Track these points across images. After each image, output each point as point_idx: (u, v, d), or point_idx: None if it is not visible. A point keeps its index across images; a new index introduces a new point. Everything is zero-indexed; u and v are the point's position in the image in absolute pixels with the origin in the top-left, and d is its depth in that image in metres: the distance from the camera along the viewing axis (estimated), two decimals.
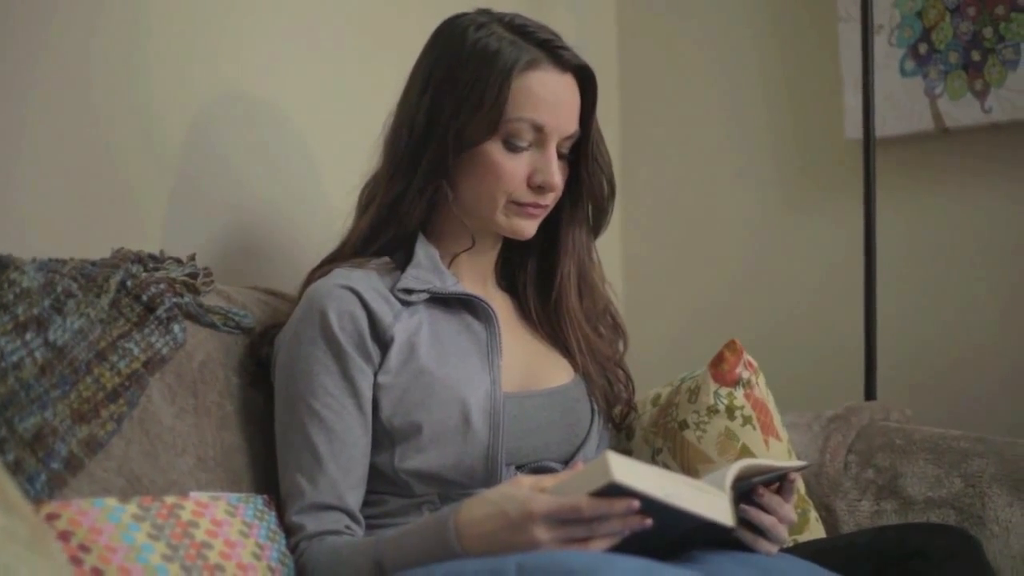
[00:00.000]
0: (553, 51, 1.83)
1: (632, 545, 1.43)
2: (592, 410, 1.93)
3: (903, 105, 2.69)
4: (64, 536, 1.43)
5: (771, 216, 2.98)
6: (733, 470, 1.55)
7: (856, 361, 2.64)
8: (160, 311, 1.77)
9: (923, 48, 2.66)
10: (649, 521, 1.42)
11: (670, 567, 1.33)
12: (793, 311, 2.92)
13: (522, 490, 1.48)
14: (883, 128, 2.69)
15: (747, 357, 2.06)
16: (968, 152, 2.69)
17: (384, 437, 1.77)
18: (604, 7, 3.17)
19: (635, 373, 2.94)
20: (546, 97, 1.81)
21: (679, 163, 3.11)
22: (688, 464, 1.99)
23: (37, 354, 1.60)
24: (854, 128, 2.69)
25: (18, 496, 0.94)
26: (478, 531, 1.50)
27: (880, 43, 2.69)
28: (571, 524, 1.43)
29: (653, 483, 1.43)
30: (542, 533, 1.43)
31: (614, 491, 1.40)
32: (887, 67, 2.70)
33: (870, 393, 2.59)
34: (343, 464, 1.73)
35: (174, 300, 1.80)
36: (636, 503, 1.40)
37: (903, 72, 2.69)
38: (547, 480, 1.51)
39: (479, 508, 1.51)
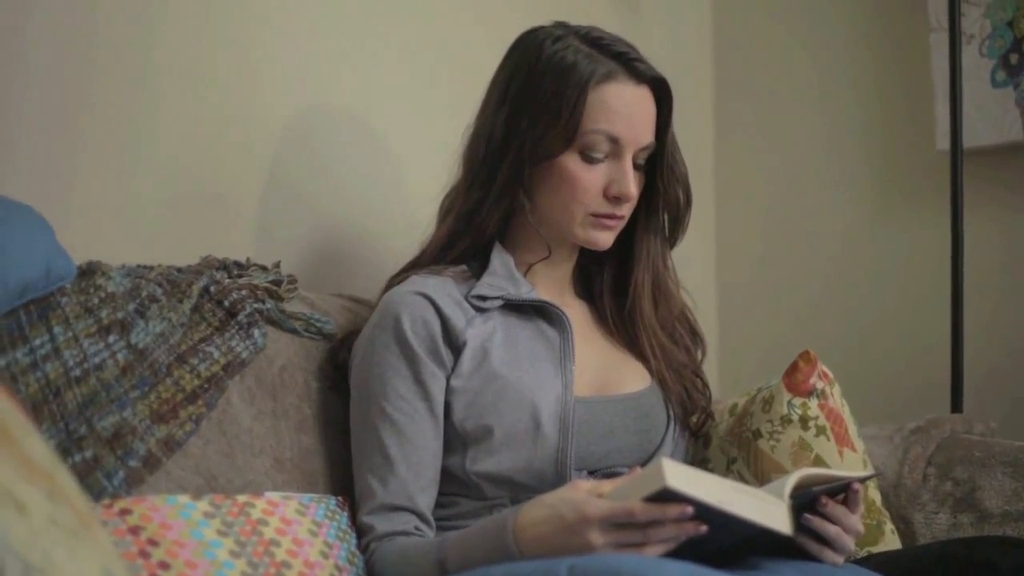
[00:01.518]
0: (628, 63, 1.85)
1: (689, 552, 1.44)
2: (668, 417, 1.94)
3: (994, 116, 2.67)
4: (134, 530, 1.47)
5: (862, 227, 2.97)
6: (792, 479, 1.55)
7: (943, 373, 2.62)
8: (241, 316, 1.82)
9: (1014, 58, 2.65)
10: (704, 527, 1.43)
11: (720, 573, 1.33)
12: (882, 322, 2.91)
13: (579, 494, 1.50)
14: (974, 139, 2.68)
15: (822, 367, 2.05)
16: None
17: (456, 440, 1.80)
18: (700, 20, 3.18)
19: (728, 380, 2.96)
20: (621, 109, 1.83)
21: (772, 173, 3.12)
22: (762, 474, 1.99)
23: (119, 356, 1.65)
24: (944, 139, 2.68)
25: (70, 487, 0.98)
26: (535, 533, 1.52)
27: (971, 53, 2.68)
28: (625, 529, 1.44)
29: (708, 490, 1.43)
30: (597, 537, 1.45)
31: (668, 496, 1.40)
32: (978, 78, 2.68)
33: (956, 406, 2.58)
34: (413, 466, 1.77)
35: (255, 306, 1.85)
36: (690, 509, 1.41)
37: (994, 83, 2.67)
38: (605, 485, 1.52)
39: (537, 511, 1.53)
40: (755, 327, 3.11)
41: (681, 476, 1.42)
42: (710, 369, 3.02)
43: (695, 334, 2.06)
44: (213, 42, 2.11)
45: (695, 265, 3.12)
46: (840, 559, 1.65)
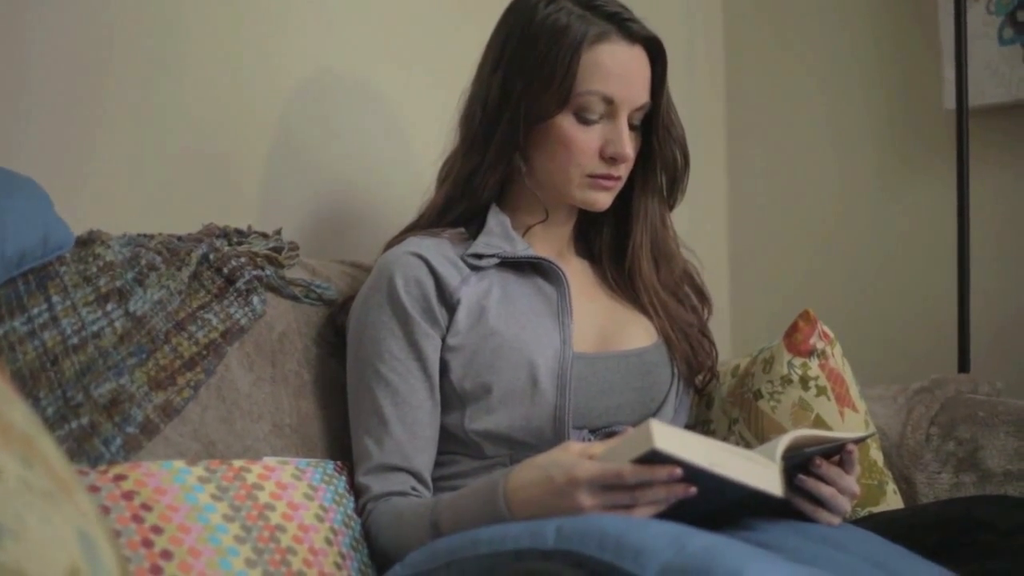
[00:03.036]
0: (622, 23, 1.85)
1: (681, 515, 1.43)
2: (672, 375, 1.94)
3: (1002, 73, 2.65)
4: (128, 496, 1.48)
5: (871, 187, 2.96)
6: (785, 440, 1.55)
7: (950, 334, 2.62)
8: (240, 283, 1.83)
9: (1021, 15, 2.62)
10: (693, 489, 1.43)
11: (704, 532, 1.34)
12: (889, 282, 2.91)
13: (569, 456, 1.51)
14: (982, 97, 2.67)
15: (822, 327, 2.05)
16: None
17: (455, 398, 1.80)
18: None
19: (739, 341, 2.96)
20: (615, 69, 1.83)
21: (782, 134, 3.11)
22: (763, 434, 2.00)
23: (117, 324, 1.66)
24: (952, 98, 2.66)
25: (50, 451, 0.99)
26: (525, 496, 1.53)
27: (978, 11, 2.66)
28: (614, 490, 1.45)
29: (698, 451, 1.43)
30: (586, 499, 1.46)
31: (657, 458, 1.41)
32: (986, 36, 2.67)
33: (963, 366, 2.57)
34: (409, 426, 1.78)
35: (254, 273, 1.86)
36: (678, 470, 1.41)
37: (1002, 40, 2.65)
38: (596, 447, 1.52)
39: (527, 473, 1.54)
40: (766, 288, 3.11)
41: (670, 438, 1.41)
42: (721, 330, 3.02)
43: (702, 294, 2.06)
44: (222, 9, 2.11)
45: (706, 227, 3.12)
46: (836, 520, 1.65)
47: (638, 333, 1.94)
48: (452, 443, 1.81)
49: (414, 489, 1.76)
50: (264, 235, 1.98)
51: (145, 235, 1.83)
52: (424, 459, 1.79)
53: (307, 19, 2.25)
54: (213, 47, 2.10)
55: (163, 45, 2.02)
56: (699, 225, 3.03)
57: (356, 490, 1.77)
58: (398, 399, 1.78)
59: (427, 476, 1.79)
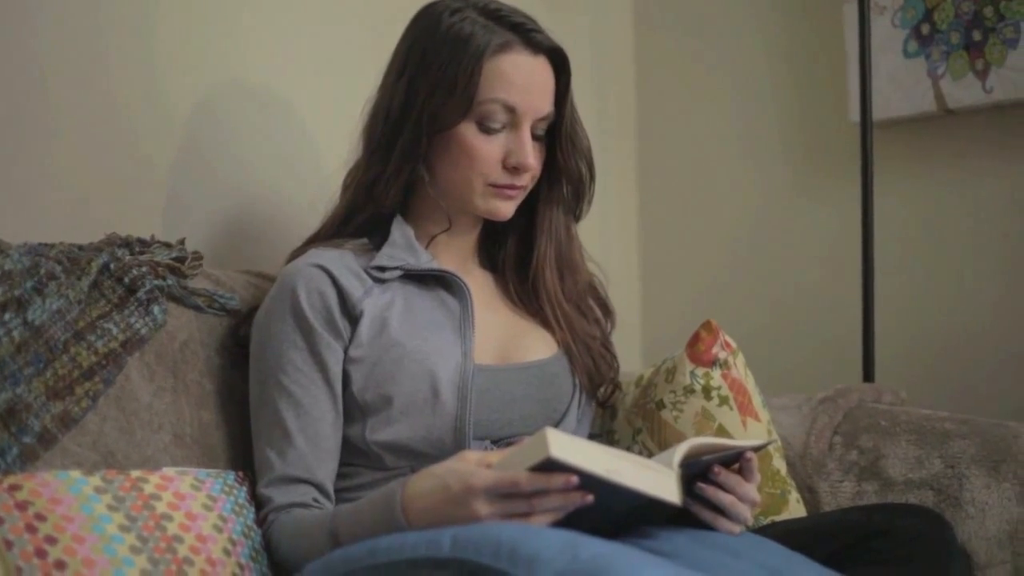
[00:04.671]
0: (525, 33, 1.85)
1: (580, 522, 1.44)
2: (574, 386, 1.94)
3: (906, 86, 2.68)
4: (21, 506, 1.47)
5: (778, 199, 2.99)
6: (682, 448, 1.56)
7: (856, 344, 2.64)
8: (141, 293, 1.81)
9: (925, 29, 2.66)
10: (590, 497, 1.43)
11: (598, 540, 1.34)
12: (797, 292, 2.93)
13: (466, 464, 1.51)
14: (887, 110, 2.69)
15: (725, 337, 2.07)
16: (970, 133, 2.69)
17: (356, 410, 1.80)
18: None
19: (650, 352, 2.97)
20: (517, 79, 1.83)
21: (693, 145, 3.14)
22: (666, 444, 2.00)
23: (15, 333, 1.64)
24: (857, 110, 2.68)
25: None
26: (422, 504, 1.53)
27: (883, 24, 2.69)
28: (511, 499, 1.45)
29: (594, 459, 1.43)
30: (483, 507, 1.45)
31: (553, 466, 1.41)
32: (891, 49, 2.70)
33: (868, 375, 2.59)
34: (311, 438, 1.77)
35: (156, 282, 1.84)
36: (574, 479, 1.41)
37: (906, 53, 2.69)
38: (493, 455, 1.52)
39: (424, 482, 1.54)
40: (675, 299, 3.13)
41: (565, 446, 1.42)
42: (631, 341, 3.04)
43: (605, 307, 2.07)
44: (117, 17, 2.09)
45: (617, 238, 3.14)
46: (736, 528, 1.66)
47: (539, 345, 1.94)
48: (354, 455, 1.81)
49: (316, 501, 1.76)
50: (167, 245, 1.96)
51: (45, 244, 1.81)
52: (326, 471, 1.78)
53: (213, 27, 2.24)
54: (117, 54, 2.08)
55: (65, 50, 2.00)
56: (610, 236, 3.04)
57: (258, 501, 1.76)
58: (300, 411, 1.77)
59: (329, 488, 1.78)
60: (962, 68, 2.61)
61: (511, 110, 1.83)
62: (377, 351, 1.79)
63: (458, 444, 1.76)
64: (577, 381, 1.95)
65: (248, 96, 2.31)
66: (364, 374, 1.79)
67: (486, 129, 1.84)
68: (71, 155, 2.02)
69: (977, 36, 2.59)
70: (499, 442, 1.82)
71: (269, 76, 2.34)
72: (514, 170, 1.86)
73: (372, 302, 1.83)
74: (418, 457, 1.76)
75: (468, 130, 1.84)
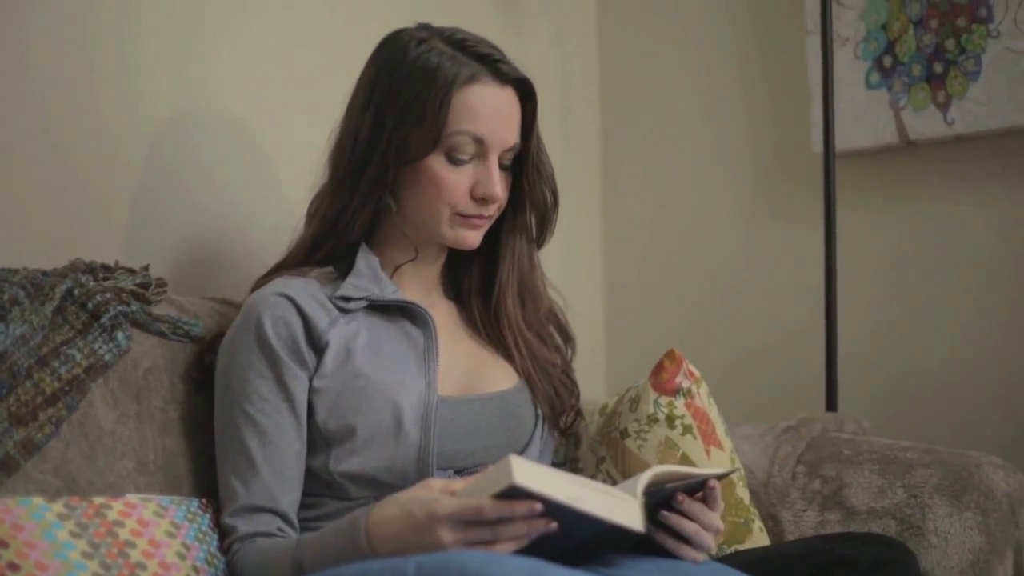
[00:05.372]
0: (492, 64, 1.86)
1: (543, 550, 1.44)
2: (536, 416, 1.95)
3: (869, 118, 2.71)
4: None
5: (742, 229, 3.01)
6: (646, 476, 1.56)
7: (819, 373, 2.66)
8: (104, 319, 1.81)
9: (888, 61, 2.69)
10: (554, 524, 1.43)
11: (562, 568, 1.34)
12: (762, 323, 2.95)
13: (430, 492, 1.51)
14: (849, 141, 2.72)
15: (688, 366, 2.07)
16: (932, 165, 2.72)
17: (320, 440, 1.79)
18: (586, 21, 3.21)
19: (614, 380, 2.98)
20: (485, 111, 1.84)
21: (657, 174, 3.16)
22: (629, 473, 2.01)
23: None
24: (820, 141, 2.70)
25: None
26: (386, 532, 1.52)
27: (846, 56, 2.72)
28: (475, 526, 1.44)
29: (558, 486, 1.44)
30: (447, 535, 1.45)
31: (517, 494, 1.41)
32: (853, 80, 2.72)
33: (831, 405, 2.61)
34: (276, 467, 1.77)
35: (120, 308, 1.83)
36: (538, 506, 1.41)
37: (868, 85, 2.71)
38: (457, 483, 1.52)
39: (388, 509, 1.54)
40: (641, 327, 3.14)
41: (529, 473, 1.42)
42: (596, 370, 3.05)
43: (566, 334, 2.07)
44: (86, 40, 2.09)
45: (582, 265, 3.15)
46: (700, 556, 1.66)
47: (501, 376, 1.95)
48: (317, 485, 1.80)
49: (280, 530, 1.75)
50: (131, 271, 1.96)
51: (9, 269, 1.80)
52: (291, 500, 1.78)
53: (177, 55, 2.24)
54: (81, 80, 2.08)
55: (31, 75, 2.00)
56: (574, 263, 3.05)
57: (222, 530, 1.76)
58: (265, 440, 1.77)
59: (293, 517, 1.78)
60: (924, 100, 2.64)
61: (479, 141, 1.84)
62: (341, 381, 1.79)
63: (421, 475, 1.76)
64: (539, 411, 1.95)
65: (211, 122, 2.31)
66: (328, 404, 1.79)
67: (454, 160, 1.84)
68: (35, 181, 2.01)
69: (939, 68, 2.61)
70: (462, 472, 1.82)
71: (232, 102, 2.34)
72: (482, 200, 1.86)
73: (337, 332, 1.83)
74: (381, 487, 1.75)
75: (436, 161, 1.84)
